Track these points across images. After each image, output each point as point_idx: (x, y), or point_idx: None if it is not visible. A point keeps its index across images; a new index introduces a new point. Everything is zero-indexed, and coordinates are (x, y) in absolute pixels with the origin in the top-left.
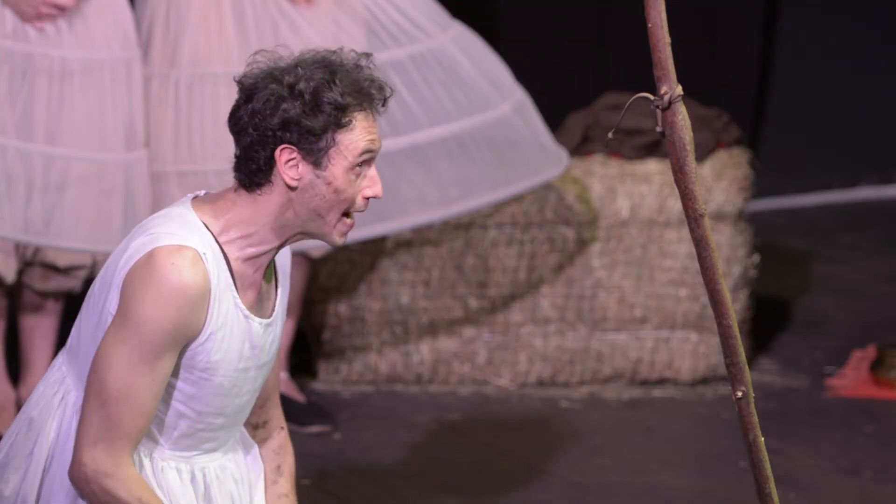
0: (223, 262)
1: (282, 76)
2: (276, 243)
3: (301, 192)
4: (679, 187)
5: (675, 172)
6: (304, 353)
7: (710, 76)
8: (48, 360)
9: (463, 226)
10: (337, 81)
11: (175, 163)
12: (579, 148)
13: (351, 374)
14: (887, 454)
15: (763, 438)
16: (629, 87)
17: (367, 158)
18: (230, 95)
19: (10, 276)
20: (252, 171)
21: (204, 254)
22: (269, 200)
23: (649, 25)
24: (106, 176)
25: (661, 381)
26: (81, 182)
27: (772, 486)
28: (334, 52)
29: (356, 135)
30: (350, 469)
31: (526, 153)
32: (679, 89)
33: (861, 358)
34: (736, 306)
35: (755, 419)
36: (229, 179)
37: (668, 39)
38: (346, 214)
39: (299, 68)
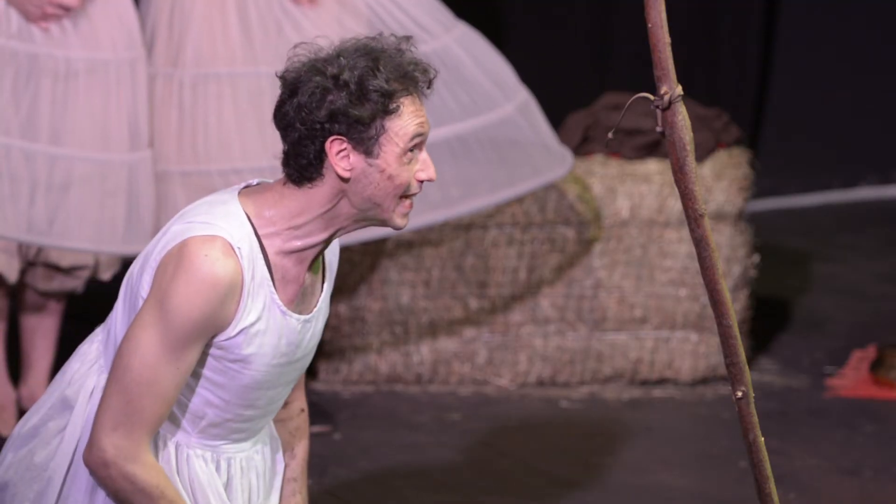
0: (260, 257)
1: (325, 67)
2: (324, 235)
3: (354, 182)
4: (679, 187)
5: (675, 172)
6: None
7: (710, 76)
8: (49, 361)
9: (463, 226)
10: (381, 68)
11: (179, 163)
12: (579, 148)
13: (351, 374)
14: (887, 454)
15: (763, 438)
16: (629, 87)
17: (419, 142)
18: (234, 95)
19: (12, 276)
20: (303, 165)
21: (238, 248)
22: (319, 192)
23: (649, 25)
24: (110, 176)
25: (661, 381)
26: (85, 182)
27: (772, 486)
28: (374, 38)
29: (405, 120)
30: (350, 469)
31: (530, 153)
32: (679, 89)
33: (861, 358)
34: (736, 306)
35: (755, 419)
36: (234, 180)
37: (668, 39)
38: (404, 196)
39: (341, 58)
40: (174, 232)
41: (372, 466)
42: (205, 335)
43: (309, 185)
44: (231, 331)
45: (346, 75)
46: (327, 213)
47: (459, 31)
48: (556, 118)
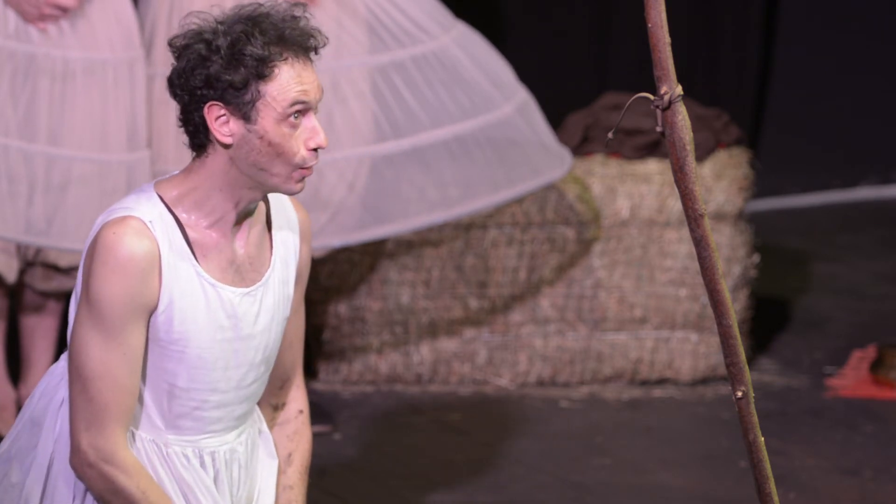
0: (176, 229)
1: (204, 35)
2: (230, 204)
3: (237, 148)
4: (679, 187)
5: (675, 172)
6: (304, 352)
7: (710, 76)
8: (49, 360)
9: (463, 226)
10: (257, 34)
11: (177, 163)
12: (579, 148)
13: (351, 374)
14: (887, 454)
15: (763, 438)
16: (629, 87)
17: (301, 109)
18: None
19: (11, 277)
20: (191, 132)
21: (150, 221)
22: (214, 162)
23: (649, 25)
24: (108, 176)
25: (661, 381)
26: (83, 182)
27: (772, 486)
28: (262, 4)
29: (282, 84)
30: (350, 469)
31: (529, 154)
32: (679, 89)
33: (861, 358)
34: (736, 306)
35: (755, 419)
36: None
37: (668, 39)
38: (300, 168)
39: (221, 24)
40: (94, 227)
41: (372, 466)
42: (139, 314)
43: (206, 155)
44: (161, 306)
45: (220, 41)
46: (225, 182)
47: (458, 31)
48: (556, 118)
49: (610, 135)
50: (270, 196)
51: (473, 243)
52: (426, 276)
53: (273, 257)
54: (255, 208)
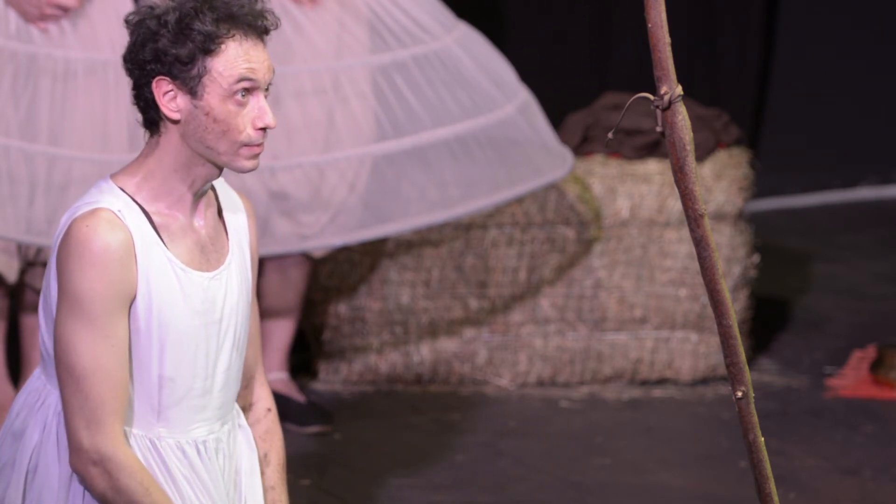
0: (142, 216)
1: (156, 10)
2: (186, 184)
3: (185, 124)
4: (679, 187)
5: (675, 172)
6: (304, 353)
7: (710, 76)
8: None
9: (463, 226)
10: (206, 10)
11: None
12: (579, 148)
13: (351, 374)
14: (887, 454)
15: (763, 438)
16: (629, 87)
17: (248, 86)
18: None
19: (12, 277)
20: (143, 109)
21: (119, 210)
22: (167, 141)
23: (649, 25)
24: None
25: (661, 381)
26: (84, 183)
27: (772, 486)
28: None
29: (229, 61)
30: (350, 469)
31: (530, 154)
32: (679, 89)
33: (861, 358)
34: (736, 306)
35: (755, 419)
36: (233, 179)
37: (668, 39)
38: (246, 145)
39: (173, 1)
40: (60, 226)
41: (372, 466)
42: (121, 304)
43: (159, 135)
44: (138, 295)
45: (168, 16)
46: (179, 161)
47: (460, 31)
48: (556, 118)
49: (610, 135)
50: (216, 183)
51: (473, 243)
52: (426, 276)
53: (230, 242)
54: (208, 189)
